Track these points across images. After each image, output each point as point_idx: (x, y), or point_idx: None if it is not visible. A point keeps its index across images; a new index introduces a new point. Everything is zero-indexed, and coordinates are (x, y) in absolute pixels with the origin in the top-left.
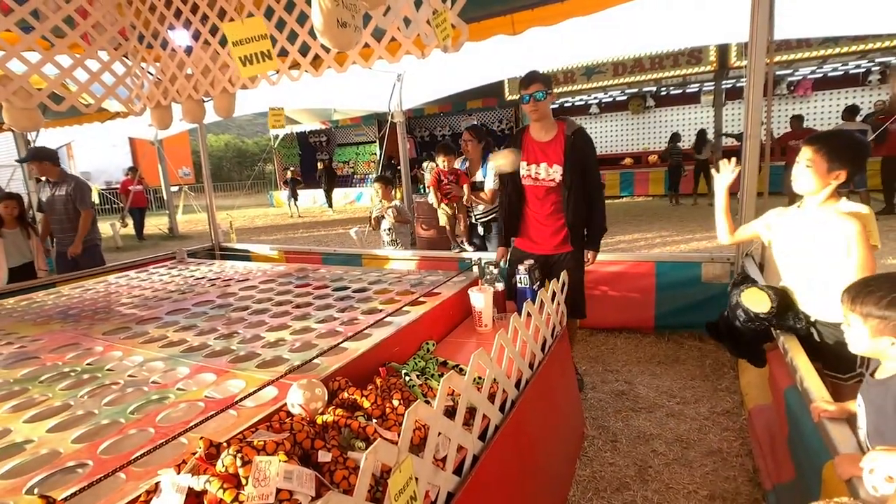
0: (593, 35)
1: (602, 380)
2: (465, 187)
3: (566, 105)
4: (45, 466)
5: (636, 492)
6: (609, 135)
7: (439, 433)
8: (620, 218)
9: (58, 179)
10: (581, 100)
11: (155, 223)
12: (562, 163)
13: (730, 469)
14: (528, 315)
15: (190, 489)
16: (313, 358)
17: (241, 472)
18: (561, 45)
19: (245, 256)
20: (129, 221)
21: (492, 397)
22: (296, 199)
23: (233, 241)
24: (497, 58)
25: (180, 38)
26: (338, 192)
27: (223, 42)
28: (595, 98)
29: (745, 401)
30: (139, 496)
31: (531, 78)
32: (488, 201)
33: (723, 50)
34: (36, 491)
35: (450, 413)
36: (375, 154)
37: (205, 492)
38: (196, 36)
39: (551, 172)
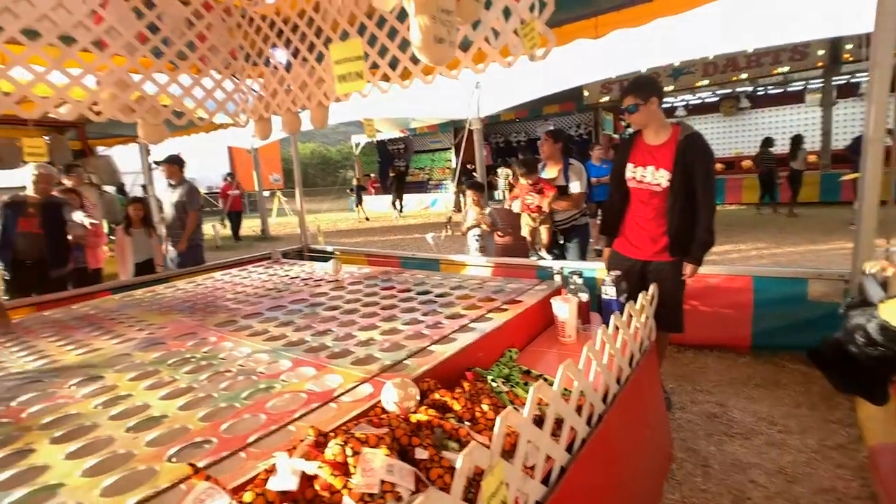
0: (681, 34)
1: (691, 400)
2: (546, 201)
3: None
4: (178, 439)
5: None
6: None
7: (529, 441)
8: None
9: (177, 183)
10: (667, 102)
11: (249, 225)
12: (670, 168)
13: None
14: (616, 328)
15: (303, 472)
16: (404, 359)
17: (350, 461)
18: (645, 45)
19: (331, 257)
20: (228, 223)
21: (578, 410)
22: (360, 204)
23: (321, 244)
24: (577, 62)
25: (281, 55)
26: (413, 198)
27: (319, 58)
28: (682, 100)
29: (865, 436)
30: (258, 474)
31: (625, 90)
32: (574, 205)
33: (834, 43)
34: (174, 459)
35: (538, 422)
36: (450, 161)
37: (316, 476)
38: (295, 53)
39: (657, 176)
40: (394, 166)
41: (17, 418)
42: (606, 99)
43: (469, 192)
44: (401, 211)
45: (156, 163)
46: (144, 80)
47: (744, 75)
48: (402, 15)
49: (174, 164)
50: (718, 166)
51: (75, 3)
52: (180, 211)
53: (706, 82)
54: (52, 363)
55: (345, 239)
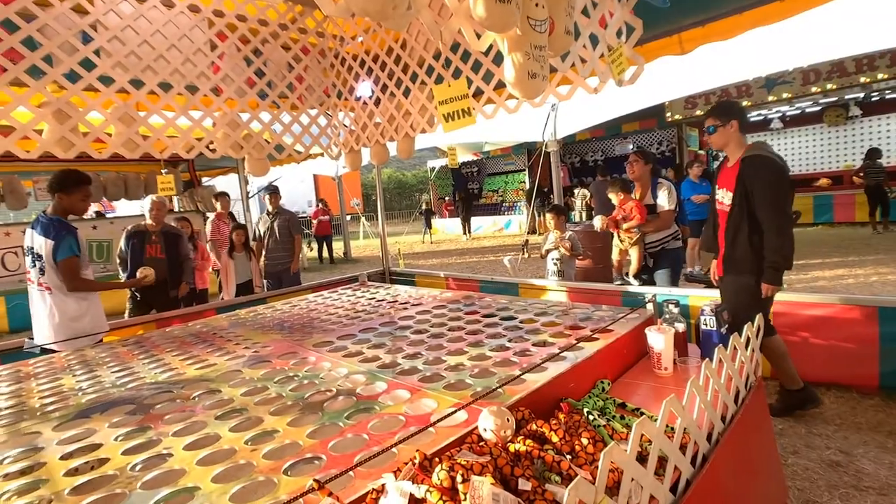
0: (775, 43)
1: (807, 444)
2: (630, 224)
3: None
4: (291, 454)
5: None
6: (797, 152)
7: (632, 479)
8: (816, 250)
9: (277, 210)
10: (760, 114)
11: (335, 248)
12: (733, 189)
13: None
14: (721, 361)
15: (412, 495)
16: (498, 387)
17: (460, 487)
18: (734, 58)
19: (410, 280)
20: (315, 246)
21: (683, 448)
22: (430, 228)
23: (401, 266)
24: (660, 79)
25: (368, 90)
26: (486, 220)
27: (406, 92)
28: (777, 111)
29: None
30: (368, 493)
31: (706, 113)
32: (663, 225)
33: None
34: (289, 473)
35: (640, 459)
36: (524, 182)
37: (424, 500)
38: (384, 89)
39: (726, 198)
40: (462, 189)
41: (155, 424)
42: (693, 114)
43: (549, 216)
44: (469, 233)
45: (264, 190)
46: (252, 120)
47: (852, 81)
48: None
49: (276, 193)
50: (823, 181)
51: (200, 57)
52: (284, 236)
53: (807, 91)
54: (177, 375)
55: (421, 261)
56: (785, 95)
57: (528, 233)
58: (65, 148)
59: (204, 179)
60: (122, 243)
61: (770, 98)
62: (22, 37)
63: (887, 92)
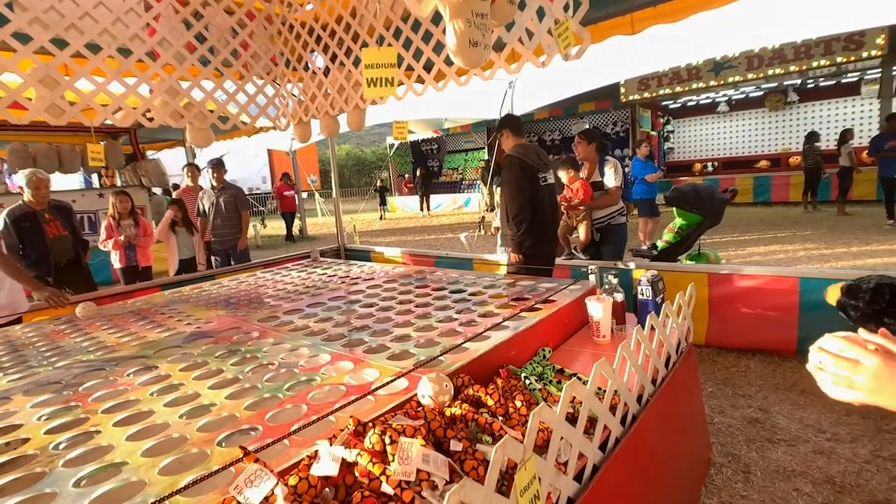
0: (723, 27)
1: (732, 405)
2: (578, 199)
3: (690, 104)
4: (227, 426)
5: None
6: (741, 135)
7: (561, 438)
8: (754, 227)
9: (223, 185)
10: (708, 98)
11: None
12: None
13: None
14: (652, 328)
15: (343, 459)
16: (439, 355)
17: (388, 449)
18: (684, 40)
19: (366, 257)
20: (268, 223)
21: (613, 409)
22: (384, 205)
23: (357, 243)
24: (613, 59)
25: (319, 60)
26: (446, 198)
27: (356, 63)
28: (724, 95)
29: None
30: (301, 460)
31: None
32: (612, 202)
33: (894, 31)
34: (223, 444)
35: (571, 419)
36: (484, 160)
37: (356, 463)
38: (333, 58)
39: None
40: (420, 167)
41: (84, 402)
42: (644, 95)
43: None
44: (428, 210)
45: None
46: (192, 87)
47: (792, 67)
48: (437, 18)
49: (220, 167)
50: (763, 163)
51: (132, 18)
52: (230, 212)
53: (751, 76)
54: (112, 353)
55: (379, 238)
56: (731, 79)
57: (487, 210)
58: None
59: (149, 153)
60: (4, 228)
61: (717, 82)
62: None
63: (821, 80)
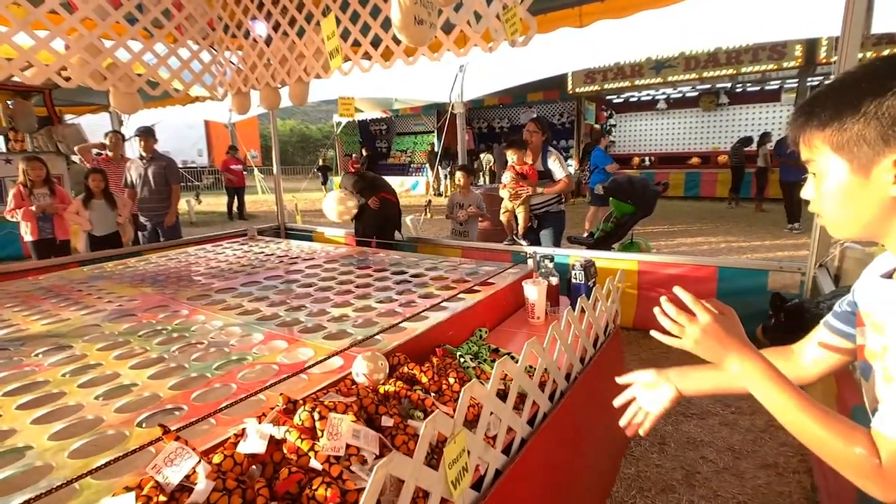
0: (665, 27)
1: None
2: (537, 187)
3: (632, 100)
4: (148, 406)
5: (682, 495)
6: (676, 132)
7: (491, 412)
8: (683, 219)
9: (152, 156)
10: (648, 94)
11: (225, 201)
12: None
13: (785, 485)
14: (582, 310)
15: (271, 437)
16: (375, 334)
17: (317, 425)
18: (629, 37)
19: (308, 237)
20: (203, 199)
21: (542, 386)
22: (326, 184)
23: (298, 223)
24: (561, 50)
25: (261, 28)
26: (394, 180)
27: (300, 33)
28: (663, 93)
29: None
30: (228, 438)
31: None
32: (564, 188)
33: (811, 44)
34: (144, 424)
35: (502, 396)
36: (433, 144)
37: (284, 440)
38: (276, 27)
39: None
40: (366, 148)
41: None
42: (591, 88)
43: (459, 174)
44: None
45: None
46: (117, 47)
47: (723, 71)
48: None
49: (149, 136)
50: (694, 160)
51: None
52: (159, 184)
53: (687, 77)
54: (18, 332)
55: (322, 218)
56: (671, 78)
57: (434, 194)
58: None
59: (67, 117)
60: None
61: (657, 80)
62: None
63: (749, 84)
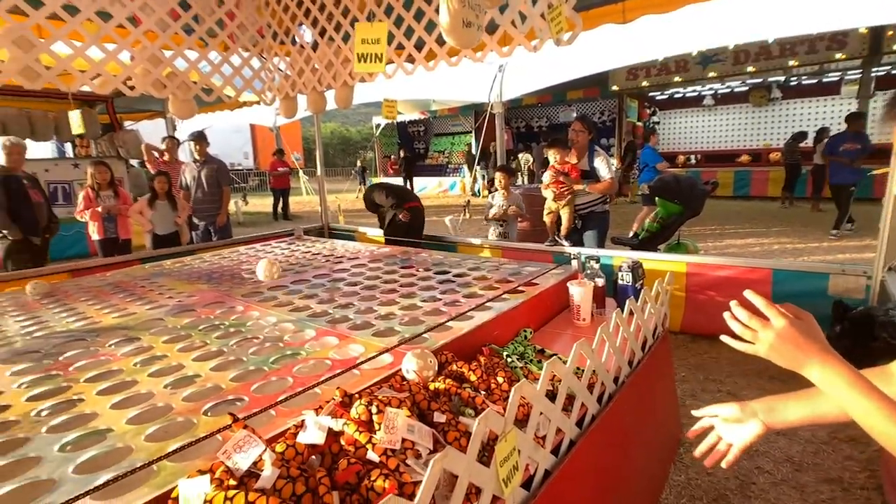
0: (713, 21)
1: (703, 388)
2: (583, 186)
3: (676, 96)
4: (212, 396)
5: None
6: (724, 129)
7: (541, 413)
8: (732, 220)
9: (205, 159)
10: (694, 90)
11: (270, 202)
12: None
13: (851, 501)
14: (631, 312)
15: (330, 429)
16: (423, 332)
17: (374, 419)
18: (674, 32)
19: (350, 237)
20: (249, 200)
21: (590, 388)
22: (363, 184)
23: (341, 223)
24: (604, 47)
25: (307, 34)
26: (432, 181)
27: (345, 38)
28: (710, 89)
29: None
30: (288, 429)
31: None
32: (608, 189)
33: (876, 32)
34: (209, 413)
35: (550, 396)
36: (470, 144)
37: (342, 432)
38: (322, 33)
39: None
40: (404, 149)
41: (65, 371)
42: (633, 85)
43: (499, 175)
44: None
45: (190, 138)
46: (175, 57)
47: (776, 64)
48: None
49: (202, 140)
50: (744, 158)
51: None
52: (212, 186)
53: (736, 70)
54: (93, 324)
55: (363, 219)
56: (713, 74)
57: (472, 194)
58: None
59: (126, 124)
60: None
61: (704, 75)
62: None
63: (804, 77)
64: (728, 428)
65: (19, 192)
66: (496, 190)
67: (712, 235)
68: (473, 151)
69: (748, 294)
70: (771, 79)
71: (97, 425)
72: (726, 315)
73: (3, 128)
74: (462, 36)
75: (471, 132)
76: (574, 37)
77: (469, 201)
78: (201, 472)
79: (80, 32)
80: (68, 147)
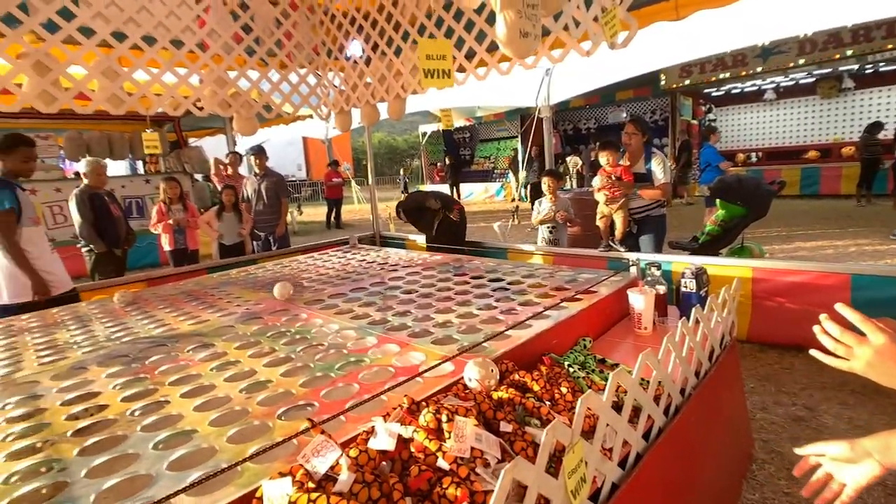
0: (774, 11)
1: (775, 401)
2: (631, 186)
3: (734, 92)
4: (284, 401)
5: None
6: (788, 124)
7: (607, 424)
8: (800, 221)
9: (265, 172)
10: (754, 85)
11: (322, 212)
12: None
13: None
14: (697, 321)
15: (399, 435)
16: (483, 341)
17: (445, 426)
18: (732, 26)
19: (401, 244)
20: (304, 209)
21: (656, 399)
22: (407, 191)
23: (392, 230)
24: (656, 46)
25: (355, 47)
26: (478, 187)
27: (397, 52)
28: (771, 82)
29: None
30: (359, 434)
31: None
32: (661, 195)
33: None
34: (283, 417)
35: (616, 407)
36: (516, 149)
37: (411, 439)
38: (374, 47)
39: None
40: (450, 156)
41: (151, 375)
42: (686, 83)
43: (546, 180)
44: (458, 199)
45: (250, 152)
46: (239, 77)
47: (849, 52)
48: (479, 7)
49: (262, 154)
50: (812, 154)
51: (184, 10)
52: (272, 198)
53: (802, 61)
54: (171, 331)
55: (412, 227)
56: (779, 66)
57: (520, 199)
58: (47, 102)
59: (191, 141)
60: (79, 206)
61: (764, 68)
62: None
63: (881, 64)
64: (839, 467)
65: (103, 209)
66: (542, 195)
67: (778, 238)
68: (519, 156)
69: (840, 308)
70: (842, 68)
71: (183, 426)
72: (816, 329)
73: (88, 149)
74: (520, 47)
75: (517, 136)
76: (629, 39)
77: (518, 207)
78: (282, 475)
79: (157, 60)
80: (139, 164)
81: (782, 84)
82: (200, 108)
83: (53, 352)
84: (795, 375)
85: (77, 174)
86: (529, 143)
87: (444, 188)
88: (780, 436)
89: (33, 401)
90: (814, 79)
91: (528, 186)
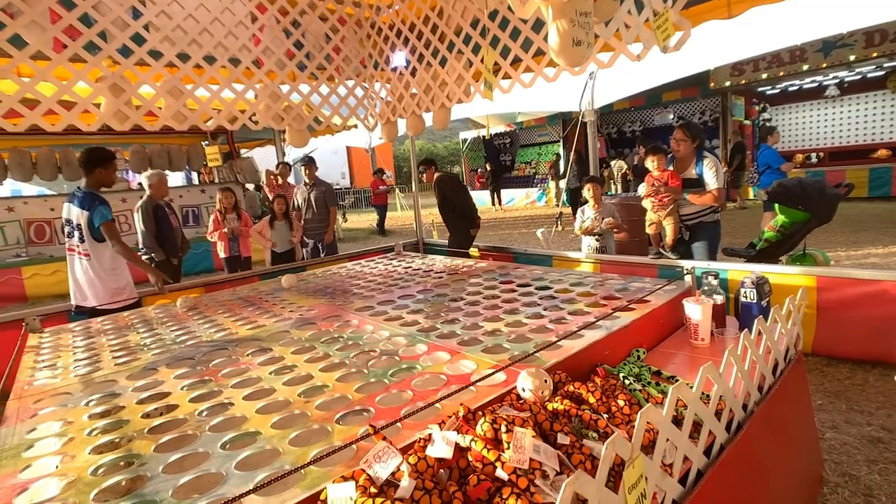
0: (835, 2)
1: (847, 420)
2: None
3: (791, 89)
4: (341, 406)
5: None
6: (853, 121)
7: (667, 439)
8: (869, 225)
9: (314, 182)
10: (814, 81)
11: (366, 219)
12: None
13: None
14: (759, 333)
15: (456, 444)
16: (535, 351)
17: (504, 437)
18: (788, 21)
19: (444, 251)
20: (349, 217)
21: (718, 414)
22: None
23: (434, 238)
24: (706, 45)
25: (399, 58)
26: (519, 192)
27: (443, 62)
28: (834, 77)
29: None
30: (416, 441)
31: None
32: (714, 201)
33: None
34: (341, 422)
35: (676, 422)
36: (558, 154)
37: (468, 448)
38: (420, 59)
39: None
40: (490, 162)
41: (215, 377)
42: (739, 82)
43: (589, 186)
44: (500, 205)
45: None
46: (291, 91)
47: None
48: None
49: (312, 164)
50: (882, 152)
51: (241, 30)
52: (321, 207)
53: (870, 53)
54: (230, 335)
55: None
56: (845, 60)
57: (563, 205)
58: (121, 120)
59: (242, 151)
60: (144, 216)
61: (827, 63)
62: (79, 14)
63: None
64: None
65: (164, 219)
66: (585, 202)
67: (845, 243)
68: (561, 161)
69: None
70: None
71: (248, 428)
72: None
73: (150, 161)
74: (573, 55)
75: (558, 141)
76: (683, 42)
77: (561, 213)
78: (344, 479)
79: (217, 78)
80: (194, 175)
81: (846, 79)
82: (255, 122)
83: (126, 353)
84: (870, 393)
85: (140, 185)
86: (573, 147)
87: (485, 194)
88: (854, 458)
89: (113, 398)
90: (883, 72)
91: (570, 192)
